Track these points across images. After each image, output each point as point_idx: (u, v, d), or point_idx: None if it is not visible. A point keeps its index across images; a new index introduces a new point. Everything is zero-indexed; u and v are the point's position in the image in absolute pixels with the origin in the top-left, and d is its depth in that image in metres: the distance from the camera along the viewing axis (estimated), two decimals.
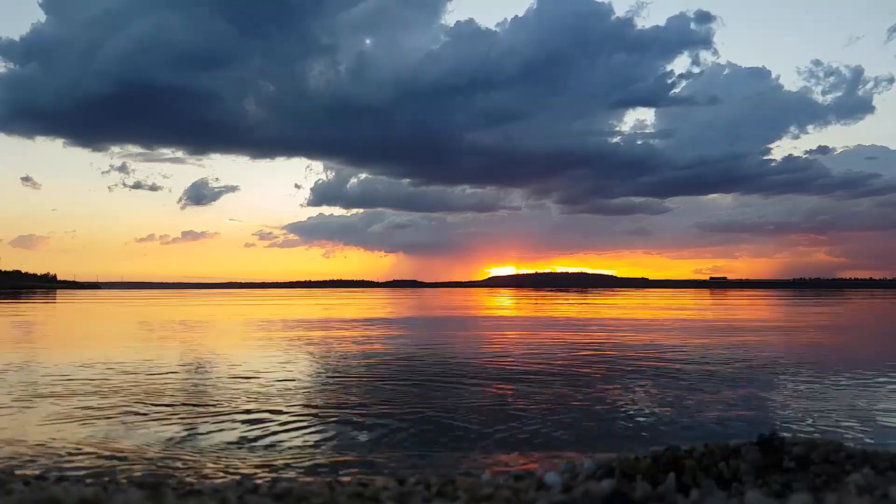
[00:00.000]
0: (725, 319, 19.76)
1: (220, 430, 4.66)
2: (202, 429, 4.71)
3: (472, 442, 4.36)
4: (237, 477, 3.20)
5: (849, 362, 8.95)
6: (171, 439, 4.39)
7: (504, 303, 38.63)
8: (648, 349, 10.40)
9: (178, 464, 3.73)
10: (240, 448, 4.17)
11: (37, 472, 3.01)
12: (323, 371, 7.94)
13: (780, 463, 1.79)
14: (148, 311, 26.72)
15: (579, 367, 8.19)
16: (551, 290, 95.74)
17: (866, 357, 9.82)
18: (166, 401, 5.80)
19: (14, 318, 21.39)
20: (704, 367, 8.09)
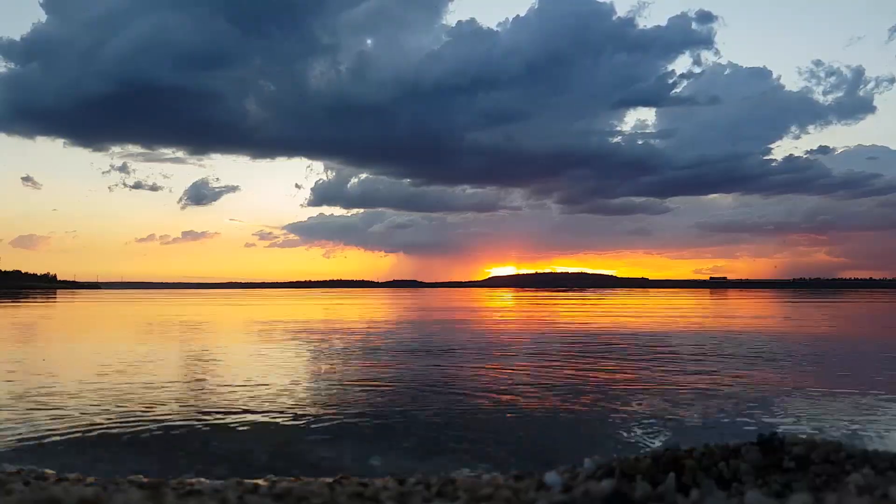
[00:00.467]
0: (727, 321, 19.75)
1: (220, 430, 4.66)
2: (201, 428, 4.71)
3: (471, 442, 4.36)
4: (237, 477, 3.20)
5: (849, 362, 8.95)
6: (171, 439, 4.39)
7: (504, 303, 38.63)
8: (647, 350, 10.40)
9: (178, 463, 3.73)
10: (239, 447, 4.17)
11: (37, 472, 3.00)
12: (323, 371, 7.93)
13: (780, 463, 1.79)
14: (147, 311, 26.71)
15: (579, 366, 8.19)
16: (551, 291, 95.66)
17: (866, 357, 9.81)
18: (166, 401, 5.79)
19: (13, 318, 21.37)
20: (705, 368, 8.09)
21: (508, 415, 5.27)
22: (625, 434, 4.63)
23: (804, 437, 1.89)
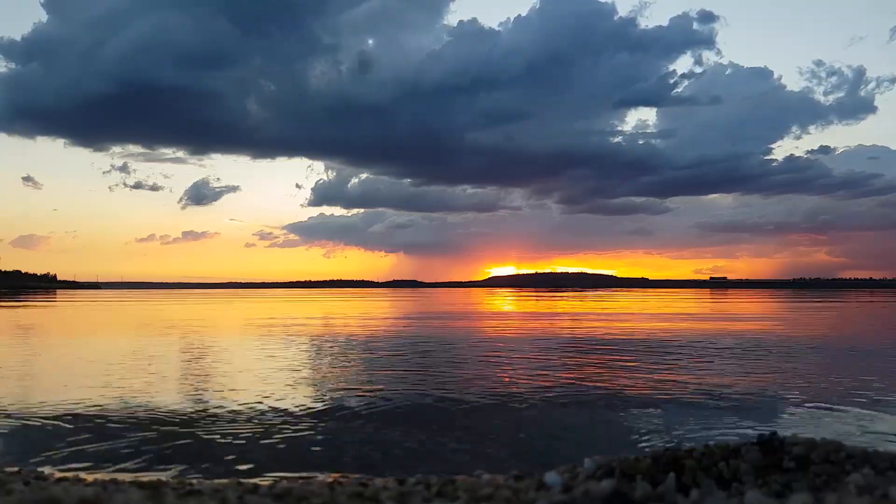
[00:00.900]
0: (727, 321, 19.76)
1: (219, 430, 4.66)
2: (201, 428, 4.71)
3: (472, 443, 4.36)
4: (237, 477, 3.20)
5: (849, 362, 8.95)
6: (171, 439, 4.39)
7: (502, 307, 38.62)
8: (647, 350, 10.40)
9: (178, 463, 3.73)
10: (239, 448, 4.16)
11: (36, 472, 3.00)
12: (323, 371, 7.93)
13: (780, 463, 1.79)
14: (147, 311, 26.71)
15: (579, 366, 8.19)
16: (551, 291, 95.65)
17: (866, 357, 9.81)
18: (165, 400, 5.80)
19: (13, 319, 21.38)
20: (705, 368, 8.09)
21: (508, 415, 5.27)
22: (625, 434, 4.63)
23: (804, 437, 1.89)
